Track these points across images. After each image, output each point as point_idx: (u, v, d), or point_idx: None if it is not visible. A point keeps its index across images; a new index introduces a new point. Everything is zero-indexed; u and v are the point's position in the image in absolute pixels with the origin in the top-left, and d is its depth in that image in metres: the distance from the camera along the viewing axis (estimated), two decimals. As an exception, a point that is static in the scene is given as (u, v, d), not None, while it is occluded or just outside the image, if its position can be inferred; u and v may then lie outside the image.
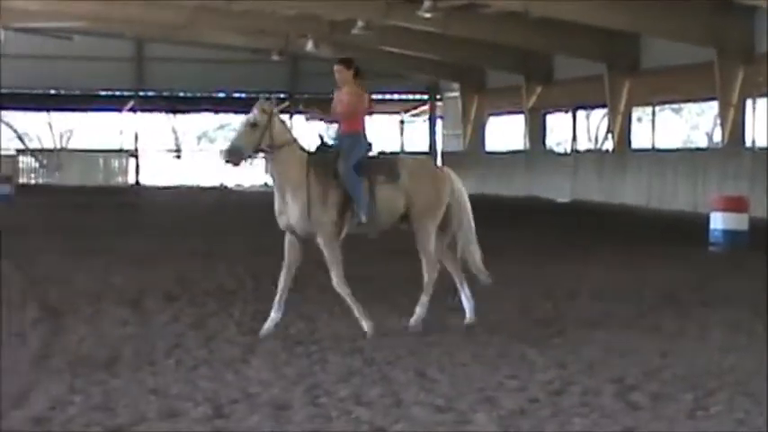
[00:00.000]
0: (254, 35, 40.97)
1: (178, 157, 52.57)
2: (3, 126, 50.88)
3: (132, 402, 7.30)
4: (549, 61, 40.00)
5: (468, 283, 10.65)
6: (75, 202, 32.94)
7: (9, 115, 50.44)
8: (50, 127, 52.26)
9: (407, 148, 54.02)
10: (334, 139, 10.50)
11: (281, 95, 49.91)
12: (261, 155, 10.04)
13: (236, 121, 63.56)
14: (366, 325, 9.93)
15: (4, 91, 44.76)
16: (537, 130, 41.90)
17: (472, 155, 45.05)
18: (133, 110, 48.92)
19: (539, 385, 8.00)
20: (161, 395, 7.52)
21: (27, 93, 45.58)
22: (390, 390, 7.80)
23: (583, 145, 43.51)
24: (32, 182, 45.90)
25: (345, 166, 10.11)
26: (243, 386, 7.84)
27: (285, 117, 10.55)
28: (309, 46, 38.98)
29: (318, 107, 11.13)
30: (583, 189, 35.97)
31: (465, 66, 44.41)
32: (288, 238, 10.12)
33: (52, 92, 47.00)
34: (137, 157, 48.44)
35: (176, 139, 59.90)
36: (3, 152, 47.37)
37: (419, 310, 10.31)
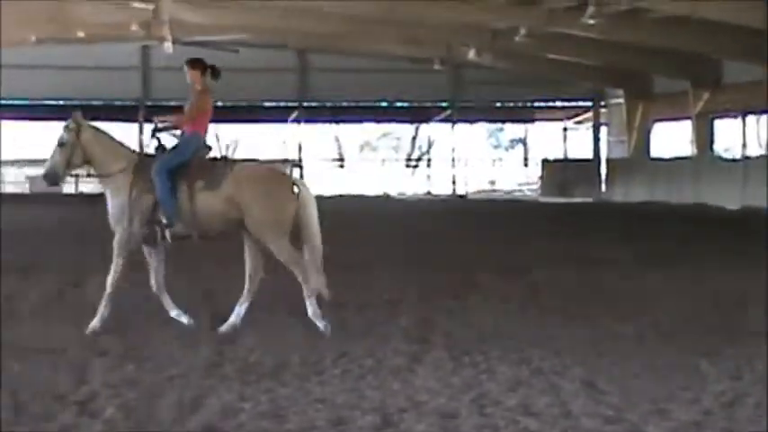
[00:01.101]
0: (415, 44, 41.16)
1: (341, 166, 53.15)
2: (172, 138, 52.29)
3: (300, 410, 7.35)
4: (718, 65, 39.11)
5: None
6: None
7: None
8: (217, 138, 53.42)
9: (571, 155, 53.51)
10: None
11: (443, 104, 50.32)
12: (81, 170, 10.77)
13: (398, 130, 64.33)
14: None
15: (173, 104, 46.01)
16: (704, 136, 41.02)
17: (637, 161, 44.38)
18: (297, 120, 49.66)
19: (712, 397, 7.78)
20: (328, 404, 7.55)
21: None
22: (558, 400, 7.68)
23: (753, 151, 42.41)
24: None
25: (156, 168, 10.23)
26: (410, 395, 7.81)
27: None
28: (471, 54, 38.96)
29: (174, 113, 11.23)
30: (753, 196, 34.99)
31: (629, 72, 43.78)
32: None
33: (219, 104, 47.78)
34: (301, 167, 49.14)
35: (339, 148, 60.60)
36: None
37: (310, 311, 10.32)
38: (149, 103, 46.79)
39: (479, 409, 7.40)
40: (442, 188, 51.40)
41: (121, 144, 10.66)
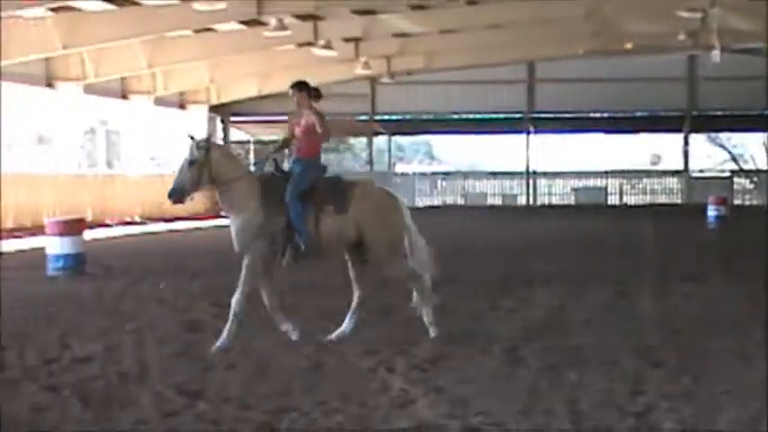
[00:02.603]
0: None
1: None
2: (717, 147, 51.46)
3: None
4: None
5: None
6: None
7: (722, 137, 50.87)
8: (765, 147, 51.79)
9: None
10: (292, 163, 10.36)
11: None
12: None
13: None
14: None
15: (717, 113, 45.47)
16: None
17: None
18: None
19: None
20: None
21: (739, 114, 45.31)
22: None
23: None
24: (746, 203, 45.78)
25: (290, 192, 10.17)
26: None
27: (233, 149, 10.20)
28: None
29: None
30: None
31: None
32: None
33: (767, 112, 46.57)
34: None
35: None
36: (718, 174, 48.08)
37: (426, 320, 10.56)
38: (695, 113, 46.34)
39: None
40: None
41: (245, 163, 10.96)
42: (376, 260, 10.52)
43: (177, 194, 10.20)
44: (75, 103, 34.04)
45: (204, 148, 10.18)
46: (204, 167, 10.13)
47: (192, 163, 10.14)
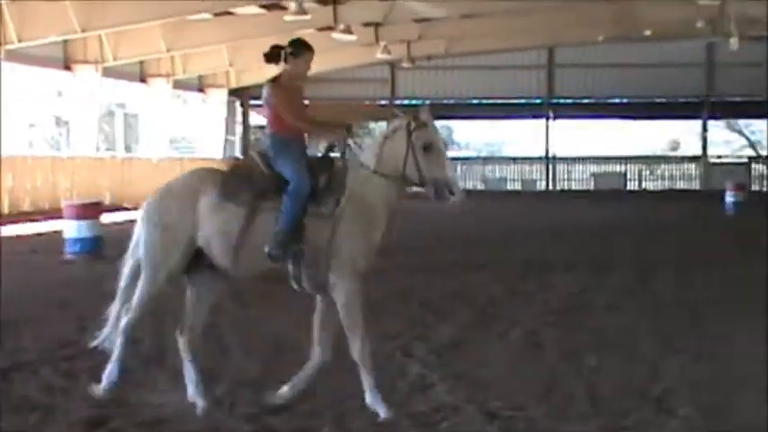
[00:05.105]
0: None
1: None
2: (736, 134, 51.30)
3: None
4: None
5: None
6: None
7: (740, 123, 50.82)
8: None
9: None
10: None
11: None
12: None
13: None
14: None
15: (735, 99, 45.48)
16: None
17: None
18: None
19: None
20: None
21: (757, 101, 45.26)
22: None
23: None
24: (765, 189, 45.66)
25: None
26: None
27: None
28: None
29: None
30: None
31: None
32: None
33: None
34: None
35: None
36: (736, 160, 48.08)
37: None
38: (713, 100, 46.32)
39: None
40: None
41: None
42: None
43: None
44: (93, 87, 34.04)
45: None
46: None
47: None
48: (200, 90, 42.85)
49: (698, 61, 46.42)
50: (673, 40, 41.95)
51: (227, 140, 44.32)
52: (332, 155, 7.57)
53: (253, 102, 46.89)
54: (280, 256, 7.22)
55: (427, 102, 8.95)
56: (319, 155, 7.63)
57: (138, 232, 7.83)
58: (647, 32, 39.03)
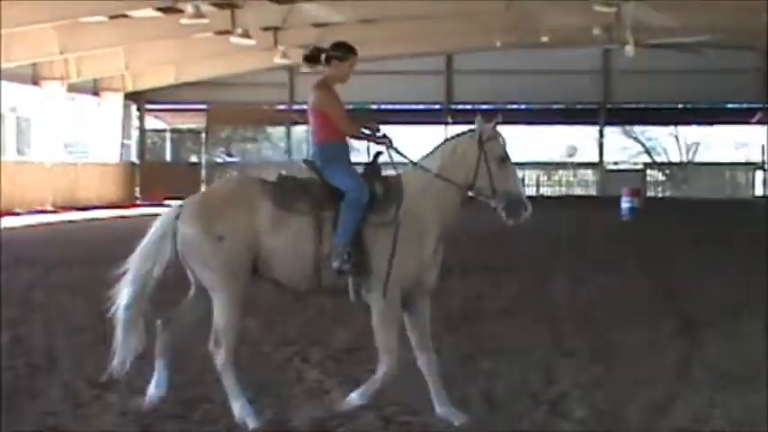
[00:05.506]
0: None
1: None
2: (632, 141, 52.25)
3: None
4: None
5: None
6: (703, 215, 32.79)
7: (636, 129, 51.76)
8: (677, 140, 52.55)
9: None
10: None
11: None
12: None
13: None
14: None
15: (631, 106, 46.34)
16: None
17: None
18: (761, 122, 47.88)
19: None
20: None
21: (653, 107, 46.32)
22: None
23: None
24: (659, 195, 46.53)
25: None
26: None
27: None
28: None
29: None
30: None
31: None
32: None
33: (679, 106, 47.35)
34: (765, 170, 47.34)
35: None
36: (632, 166, 48.99)
37: None
38: (610, 106, 47.09)
39: None
40: None
41: None
42: None
43: None
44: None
45: None
46: None
47: None
48: (96, 93, 42.20)
49: (595, 68, 47.04)
50: (570, 46, 42.44)
51: (123, 145, 43.72)
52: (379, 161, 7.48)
53: (149, 106, 46.36)
54: (347, 269, 6.92)
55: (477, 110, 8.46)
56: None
57: (167, 235, 7.29)
58: (545, 39, 39.46)
